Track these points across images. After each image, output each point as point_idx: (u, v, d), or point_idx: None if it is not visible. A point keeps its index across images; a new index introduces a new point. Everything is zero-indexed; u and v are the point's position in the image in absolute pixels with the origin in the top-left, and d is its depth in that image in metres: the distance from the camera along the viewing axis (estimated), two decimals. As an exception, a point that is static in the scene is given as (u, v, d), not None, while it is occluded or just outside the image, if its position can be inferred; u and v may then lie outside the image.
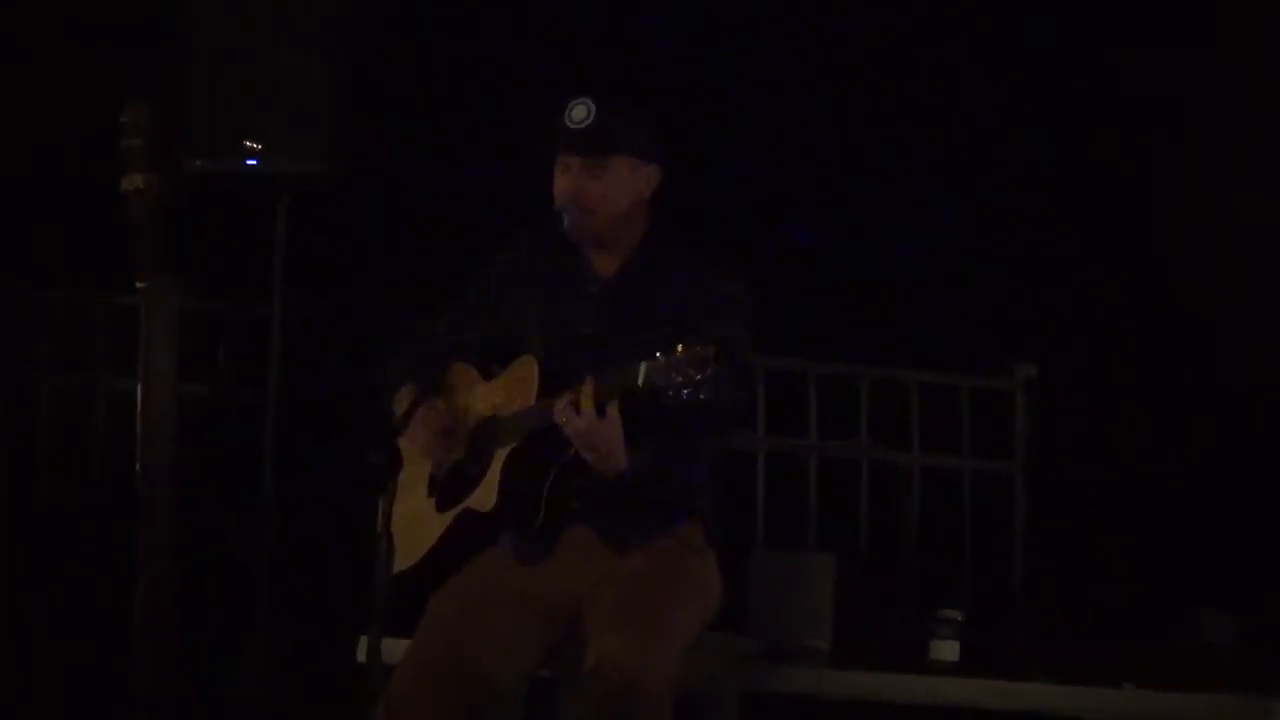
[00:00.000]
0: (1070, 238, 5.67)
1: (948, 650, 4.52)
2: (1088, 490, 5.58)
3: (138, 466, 4.59)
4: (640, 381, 3.50)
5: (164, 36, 4.81)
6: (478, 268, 4.07)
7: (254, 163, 4.68)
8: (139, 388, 4.60)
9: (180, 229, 4.54)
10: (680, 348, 3.45)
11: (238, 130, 4.68)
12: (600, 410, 3.60)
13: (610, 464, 3.66)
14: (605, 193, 3.85)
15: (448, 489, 3.95)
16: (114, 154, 4.55)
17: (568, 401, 3.63)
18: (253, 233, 4.88)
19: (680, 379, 3.45)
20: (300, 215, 4.84)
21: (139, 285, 4.59)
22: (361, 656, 3.83)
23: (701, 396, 3.44)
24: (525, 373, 3.89)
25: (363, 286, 5.46)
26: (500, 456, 3.83)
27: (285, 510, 4.79)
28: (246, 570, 4.79)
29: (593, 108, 3.83)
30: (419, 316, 4.20)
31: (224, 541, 5.15)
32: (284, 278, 4.83)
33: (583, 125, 3.83)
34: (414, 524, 3.94)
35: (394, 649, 3.84)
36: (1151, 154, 5.49)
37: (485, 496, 3.82)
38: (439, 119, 5.61)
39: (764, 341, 4.01)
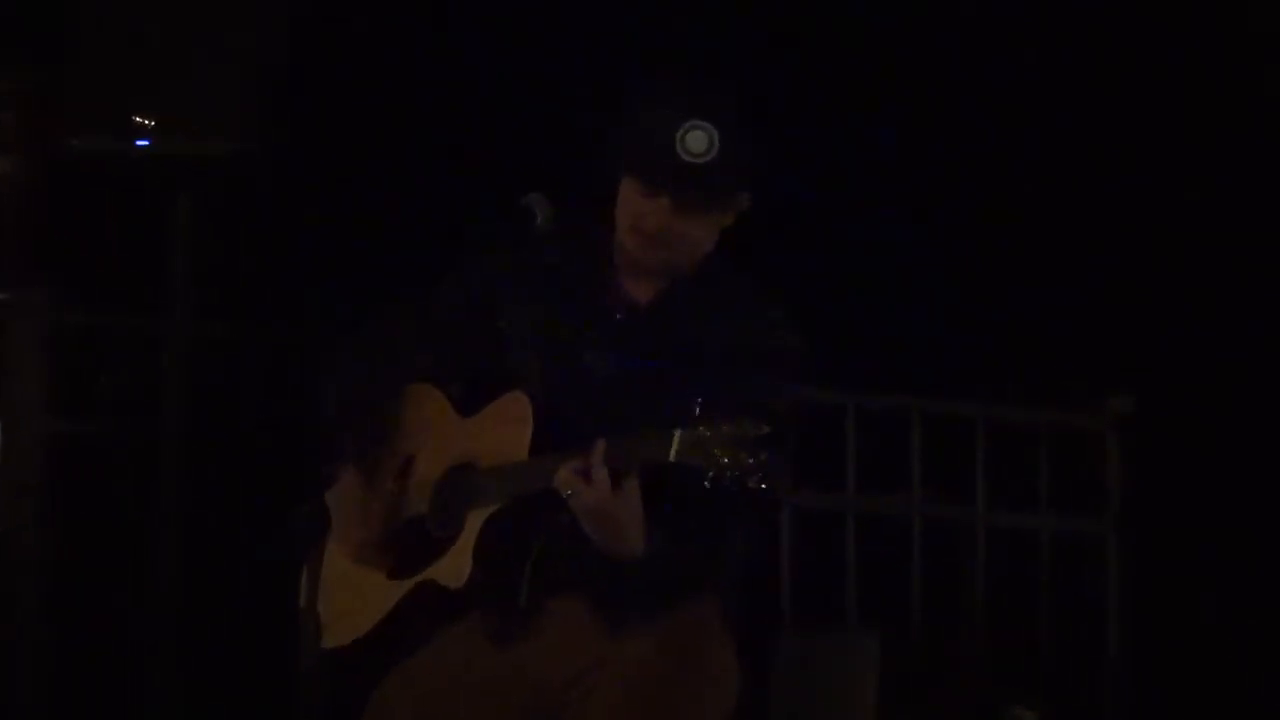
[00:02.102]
0: (1172, 244, 5.50)
1: (1021, 757, 4.58)
2: (1196, 552, 5.35)
3: (-8, 525, 4.52)
4: (672, 455, 3.17)
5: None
6: (443, 268, 3.67)
7: (146, 143, 4.49)
8: (-6, 424, 4.57)
9: (53, 225, 4.32)
10: (726, 420, 3.16)
11: (127, 103, 4.51)
12: (616, 481, 3.28)
13: (621, 547, 3.33)
14: (699, 235, 3.49)
15: (403, 551, 3.57)
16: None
17: (575, 468, 3.29)
18: (145, 229, 4.71)
19: (726, 460, 3.11)
20: (205, 208, 4.67)
21: (0, 295, 4.45)
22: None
23: (749, 485, 3.12)
24: (515, 415, 3.48)
25: (281, 297, 5.27)
26: (477, 520, 3.47)
27: (186, 578, 4.62)
28: (138, 654, 4.62)
29: (715, 139, 3.41)
30: (360, 328, 3.86)
31: (109, 618, 4.92)
32: (185, 285, 4.66)
33: (700, 160, 3.40)
34: (355, 590, 3.57)
35: (321, 753, 3.65)
36: (1269, 156, 5.36)
37: (454, 568, 3.46)
38: (381, 92, 5.42)
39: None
